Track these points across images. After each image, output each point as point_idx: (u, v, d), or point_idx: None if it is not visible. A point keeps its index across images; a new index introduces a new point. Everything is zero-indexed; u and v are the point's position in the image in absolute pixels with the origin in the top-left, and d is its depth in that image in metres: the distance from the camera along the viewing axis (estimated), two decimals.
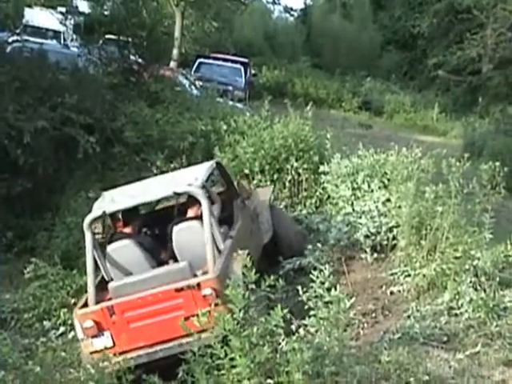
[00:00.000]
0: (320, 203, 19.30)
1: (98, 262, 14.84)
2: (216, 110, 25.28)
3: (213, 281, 13.75)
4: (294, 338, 10.86)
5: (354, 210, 17.95)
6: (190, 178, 15.48)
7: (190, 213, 15.71)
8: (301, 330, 11.66)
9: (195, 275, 14.28)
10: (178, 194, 15.38)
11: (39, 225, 20.12)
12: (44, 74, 24.16)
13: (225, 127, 22.46)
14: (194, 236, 14.95)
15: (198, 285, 13.80)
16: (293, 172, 20.05)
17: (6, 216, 20.56)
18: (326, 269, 11.39)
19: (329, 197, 19.01)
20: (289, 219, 19.04)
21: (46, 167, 21.53)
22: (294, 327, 11.75)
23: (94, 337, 13.88)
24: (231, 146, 21.14)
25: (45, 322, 16.65)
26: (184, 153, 21.90)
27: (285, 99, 25.79)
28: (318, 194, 19.58)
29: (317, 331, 11.46)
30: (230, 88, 35.68)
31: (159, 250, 15.76)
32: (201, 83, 34.82)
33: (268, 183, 19.95)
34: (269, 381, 10.28)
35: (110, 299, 14.30)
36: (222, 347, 10.64)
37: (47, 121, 21.69)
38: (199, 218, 15.07)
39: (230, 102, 30.59)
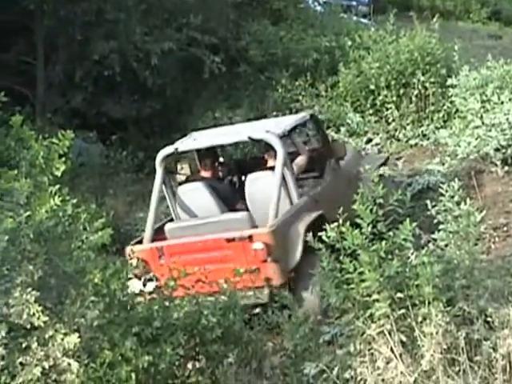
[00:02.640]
0: (448, 117, 19.05)
1: (168, 202, 14.84)
2: (340, 26, 25.05)
3: (266, 235, 13.03)
4: (424, 251, 10.80)
5: (483, 123, 17.41)
6: (271, 126, 14.98)
7: (270, 163, 14.81)
8: (430, 245, 11.58)
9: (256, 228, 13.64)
10: (253, 140, 15.12)
11: (168, 145, 20.32)
12: None
13: (349, 43, 22.37)
14: (266, 187, 14.19)
15: (250, 237, 13.07)
16: (419, 86, 19.83)
17: (136, 137, 20.80)
18: (455, 183, 11.25)
19: (457, 110, 18.69)
20: None
21: (173, 88, 21.70)
22: (423, 241, 11.70)
23: (140, 277, 13.13)
24: (356, 62, 21.04)
25: None
26: (308, 70, 21.84)
27: (410, 12, 25.65)
28: (445, 107, 19.32)
29: (446, 245, 11.29)
30: (354, 3, 35.34)
31: (235, 199, 15.16)
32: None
33: (394, 98, 19.82)
34: (398, 294, 10.24)
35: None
36: (350, 261, 10.63)
37: (173, 42, 21.80)
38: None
39: (354, 18, 30.40)
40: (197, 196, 14.64)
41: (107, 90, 21.52)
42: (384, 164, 16.61)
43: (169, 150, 15.08)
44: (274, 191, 13.78)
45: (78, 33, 21.61)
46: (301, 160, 15.13)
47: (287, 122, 15.38)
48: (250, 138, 14.63)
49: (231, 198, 15.14)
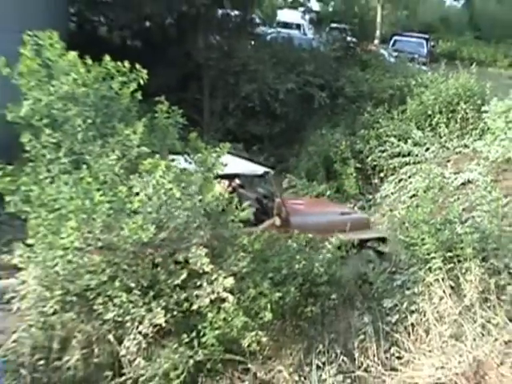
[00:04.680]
0: (482, 133, 18.86)
1: None
2: (407, 71, 24.99)
3: None
4: (466, 224, 10.82)
5: (507, 136, 17.34)
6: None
7: None
8: (470, 220, 11.59)
9: None
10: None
11: (290, 153, 20.31)
12: (291, 52, 24.50)
13: (413, 82, 22.19)
14: None
15: None
16: (462, 112, 19.76)
17: (269, 147, 20.96)
18: (487, 177, 11.24)
19: (488, 128, 18.53)
20: None
21: (293, 114, 21.96)
22: (464, 218, 11.71)
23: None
24: (418, 96, 20.93)
25: None
26: (385, 101, 21.79)
27: (455, 61, 25.51)
28: (480, 126, 19.17)
29: (481, 221, 11.36)
30: (416, 56, 34.98)
31: None
32: (396, 53, 34.52)
33: (444, 120, 19.66)
34: (449, 254, 10.25)
35: None
36: (415, 231, 10.64)
37: (294, 83, 22.00)
38: None
39: (417, 65, 30.14)
40: None
41: (250, 116, 21.80)
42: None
43: None
44: None
45: (231, 78, 21.99)
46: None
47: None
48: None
49: None
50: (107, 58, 10.18)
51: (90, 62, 10.15)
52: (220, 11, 23.93)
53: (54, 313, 9.28)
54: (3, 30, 14.94)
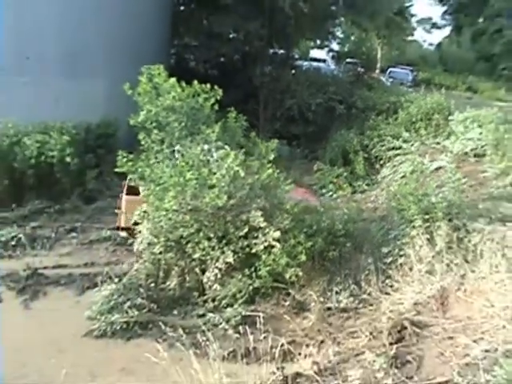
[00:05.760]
0: (448, 134, 18.43)
1: None
2: (398, 91, 24.51)
3: None
4: (439, 196, 10.70)
5: (465, 137, 17.00)
6: None
7: None
8: (440, 194, 11.37)
9: None
10: None
11: (319, 146, 20.12)
12: (319, 78, 24.14)
13: (403, 99, 21.76)
14: None
15: None
16: (435, 119, 19.34)
17: (304, 143, 20.77)
18: (452, 164, 10.98)
19: (453, 131, 18.13)
20: None
21: (321, 120, 21.63)
22: (436, 192, 11.49)
23: None
24: (406, 108, 20.51)
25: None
26: (384, 111, 21.44)
27: (430, 86, 25.18)
28: (447, 130, 18.71)
29: (448, 194, 11.21)
30: (404, 81, 34.50)
31: None
32: (391, 79, 34.15)
33: (424, 125, 19.32)
34: (426, 216, 10.15)
35: None
36: (404, 201, 10.56)
37: (321, 99, 21.79)
38: None
39: (405, 88, 29.68)
40: None
41: (291, 121, 21.63)
42: None
43: None
44: None
45: (278, 96, 21.85)
46: None
47: None
48: None
49: None
50: (195, 82, 10.24)
51: (183, 84, 10.23)
52: (271, 50, 23.97)
53: (160, 253, 9.44)
54: (128, 64, 15.14)
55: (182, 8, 23.57)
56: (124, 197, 11.33)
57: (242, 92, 20.73)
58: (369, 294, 9.55)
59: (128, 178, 12.00)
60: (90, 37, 15.98)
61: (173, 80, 10.08)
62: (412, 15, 49.53)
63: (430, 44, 60.20)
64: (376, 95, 23.37)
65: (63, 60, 15.61)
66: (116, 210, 11.82)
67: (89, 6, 16.01)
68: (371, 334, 8.63)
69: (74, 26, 15.78)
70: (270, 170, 9.49)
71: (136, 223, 10.50)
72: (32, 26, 15.07)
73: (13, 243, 11.80)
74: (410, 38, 51.81)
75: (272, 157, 10.00)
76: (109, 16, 16.43)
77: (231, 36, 22.59)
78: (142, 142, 10.07)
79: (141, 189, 10.68)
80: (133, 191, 11.36)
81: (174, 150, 9.95)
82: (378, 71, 38.25)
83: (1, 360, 7.67)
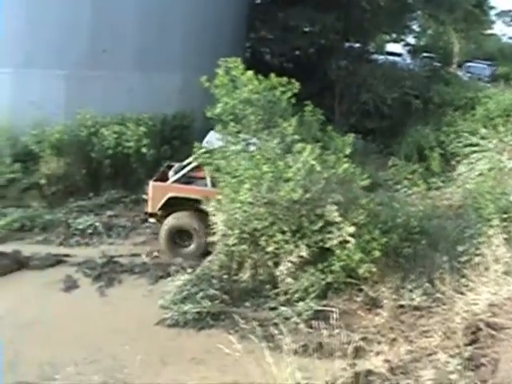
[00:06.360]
0: None
1: None
2: (476, 87, 23.84)
3: None
4: None
5: None
6: None
7: None
8: None
9: None
10: None
11: (394, 141, 19.70)
12: (395, 72, 23.76)
13: (481, 94, 21.17)
14: None
15: None
16: None
17: (380, 138, 20.18)
18: None
19: None
20: None
21: (397, 115, 21.24)
22: None
23: None
24: (484, 104, 19.96)
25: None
26: (461, 107, 20.88)
27: (510, 82, 24.44)
28: None
29: None
30: (482, 76, 33.56)
31: None
32: (468, 74, 33.30)
33: (502, 121, 18.68)
34: (504, 215, 9.91)
35: None
36: (481, 199, 10.28)
37: (397, 94, 21.42)
38: None
39: (483, 83, 28.85)
40: None
41: (366, 115, 21.28)
42: None
43: None
44: None
45: (354, 90, 21.57)
46: None
47: None
48: None
49: None
50: (272, 75, 10.23)
51: (260, 78, 10.23)
52: (347, 44, 23.77)
53: (234, 245, 9.50)
54: (203, 57, 15.34)
55: (257, 1, 23.59)
56: (151, 183, 11.40)
57: (318, 86, 20.58)
58: (443, 293, 9.34)
59: (165, 164, 12.31)
60: (166, 29, 16.18)
61: (250, 73, 10.09)
62: (491, 8, 47.97)
63: (510, 38, 58.32)
64: (453, 90, 22.80)
65: (137, 53, 15.85)
66: (143, 196, 11.92)
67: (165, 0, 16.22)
68: (444, 333, 8.45)
69: (150, 20, 15.99)
70: (347, 165, 9.39)
71: (161, 208, 10.90)
72: (108, 19, 15.35)
73: (90, 231, 12.20)
74: (488, 32, 50.37)
75: (348, 151, 9.90)
76: (185, 10, 16.59)
77: (307, 29, 22.39)
78: (218, 135, 10.15)
79: (170, 175, 11.13)
80: (162, 178, 11.58)
81: (250, 143, 9.97)
82: (454, 66, 37.37)
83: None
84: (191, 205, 10.89)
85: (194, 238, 11.07)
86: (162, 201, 11.14)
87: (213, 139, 10.94)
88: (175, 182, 11.33)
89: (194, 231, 11.04)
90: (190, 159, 11.51)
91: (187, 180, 11.56)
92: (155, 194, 11.21)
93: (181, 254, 11.15)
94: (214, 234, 9.68)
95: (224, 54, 10.78)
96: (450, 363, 7.72)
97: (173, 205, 11.16)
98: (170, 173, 11.65)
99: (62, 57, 14.96)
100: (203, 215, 10.47)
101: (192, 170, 11.36)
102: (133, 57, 15.79)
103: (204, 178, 11.16)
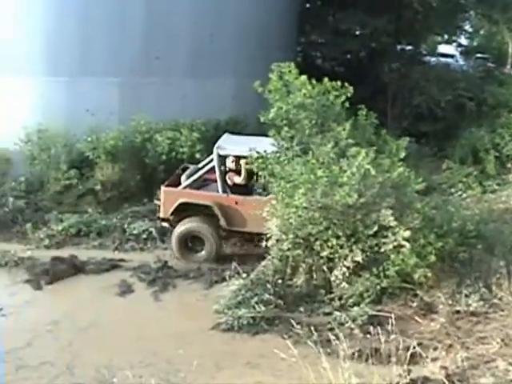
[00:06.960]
0: None
1: None
2: None
3: None
4: None
5: None
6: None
7: None
8: None
9: None
10: None
11: (448, 144, 19.35)
12: (448, 74, 23.35)
13: None
14: None
15: None
16: None
17: (433, 141, 19.79)
18: None
19: None
20: None
21: (450, 117, 20.85)
22: None
23: None
24: None
25: None
26: None
27: None
28: None
29: None
30: None
31: None
32: None
33: None
34: None
35: None
36: None
37: (451, 96, 21.04)
38: None
39: None
40: None
41: (419, 118, 20.86)
42: None
43: None
44: None
45: (407, 93, 21.30)
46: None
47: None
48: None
49: None
50: (325, 79, 10.23)
51: (313, 82, 10.23)
52: (398, 46, 23.53)
53: (288, 249, 9.51)
54: (255, 62, 15.38)
55: (308, 5, 23.57)
56: (162, 188, 11.42)
57: (370, 89, 20.41)
58: (500, 299, 9.21)
59: (181, 166, 12.43)
60: (218, 35, 16.27)
61: (303, 77, 10.12)
62: None
63: None
64: (508, 91, 22.25)
65: (190, 59, 15.92)
66: (155, 201, 11.96)
67: (217, 5, 16.32)
68: (502, 340, 8.31)
69: (202, 25, 16.07)
70: (401, 169, 9.31)
71: (173, 214, 10.89)
72: (161, 26, 15.47)
73: (144, 236, 12.31)
74: None
75: (403, 155, 9.82)
76: (236, 15, 16.65)
77: (358, 32, 22.29)
78: (273, 139, 10.19)
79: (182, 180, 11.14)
80: (176, 181, 11.58)
81: (304, 148, 9.98)
82: (509, 66, 36.54)
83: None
84: (203, 210, 10.98)
85: (206, 243, 11.09)
86: (174, 206, 11.17)
87: (225, 143, 11.02)
88: (187, 186, 11.36)
89: (205, 237, 11.06)
90: (205, 161, 11.63)
91: (200, 184, 11.62)
92: (166, 199, 11.24)
93: (193, 259, 11.22)
94: (267, 239, 9.69)
95: (276, 58, 10.81)
96: (510, 371, 7.57)
97: (185, 210, 11.20)
98: (183, 177, 11.67)
99: (116, 64, 15.15)
100: (215, 220, 10.52)
101: (207, 171, 11.37)
102: (185, 62, 15.93)
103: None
